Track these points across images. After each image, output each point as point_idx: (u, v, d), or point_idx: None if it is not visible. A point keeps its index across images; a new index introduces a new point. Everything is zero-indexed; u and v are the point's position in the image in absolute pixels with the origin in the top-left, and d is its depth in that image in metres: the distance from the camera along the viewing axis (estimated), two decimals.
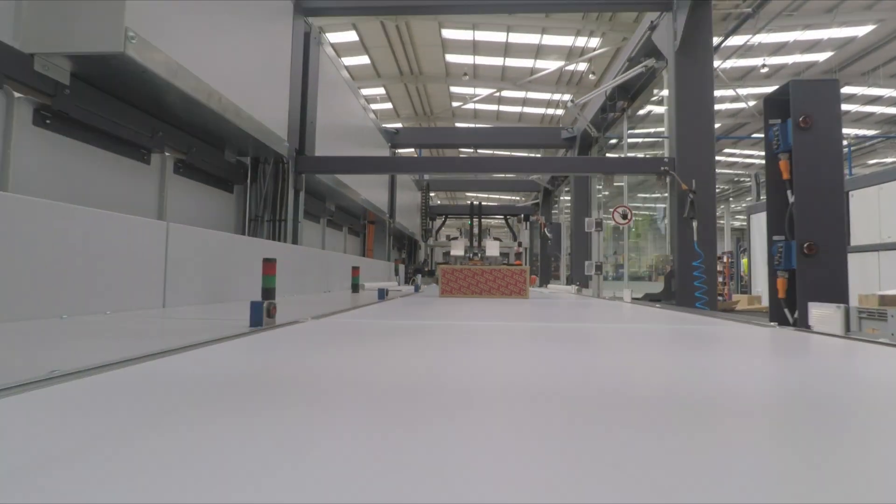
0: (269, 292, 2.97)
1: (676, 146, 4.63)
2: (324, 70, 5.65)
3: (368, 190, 7.82)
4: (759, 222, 11.02)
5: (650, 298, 4.52)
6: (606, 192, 9.43)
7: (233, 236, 3.28)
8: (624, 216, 4.87)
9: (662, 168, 4.59)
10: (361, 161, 4.99)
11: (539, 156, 4.85)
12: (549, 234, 8.76)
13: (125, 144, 3.27)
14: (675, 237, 4.57)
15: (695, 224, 4.43)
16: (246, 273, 3.33)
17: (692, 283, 4.43)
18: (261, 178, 4.71)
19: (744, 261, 16.41)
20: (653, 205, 12.35)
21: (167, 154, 3.70)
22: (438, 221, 13.61)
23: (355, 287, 4.70)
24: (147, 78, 2.81)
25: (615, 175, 4.90)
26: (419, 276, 9.76)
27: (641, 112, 7.14)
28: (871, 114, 18.23)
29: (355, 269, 4.70)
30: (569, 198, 13.15)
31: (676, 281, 4.55)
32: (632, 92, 6.38)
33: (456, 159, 5.00)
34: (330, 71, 5.90)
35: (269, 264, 2.98)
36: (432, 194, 13.96)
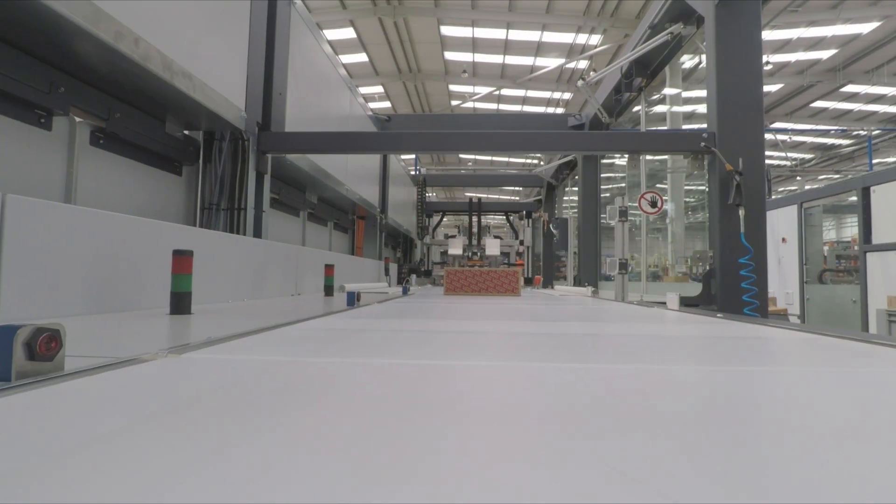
0: (181, 298, 2.09)
1: (717, 118, 3.74)
2: (299, 40, 4.77)
3: (357, 182, 6.94)
4: (772, 220, 10.39)
5: (685, 304, 3.63)
6: (614, 187, 8.57)
7: (141, 221, 2.40)
8: (653, 204, 3.99)
9: (702, 144, 3.70)
10: (338, 138, 4.12)
11: (551, 131, 4.11)
12: (554, 231, 7.85)
13: (7, 100, 2.39)
14: (717, 229, 3.69)
15: (741, 212, 3.55)
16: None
17: (738, 283, 3.55)
18: (215, 158, 3.83)
19: None
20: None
21: (77, 119, 2.82)
22: (435, 219, 12.68)
23: (329, 289, 3.82)
24: None
25: (640, 156, 4.02)
26: (413, 277, 8.86)
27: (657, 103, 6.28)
28: (874, 112, 17.80)
29: (329, 269, 3.81)
30: (574, 195, 12.31)
31: (718, 281, 3.67)
32: (651, 67, 5.50)
33: (452, 136, 4.14)
34: (307, 42, 5.02)
35: (181, 259, 2.10)
36: (430, 194, 13.12)
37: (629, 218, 4.39)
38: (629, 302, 3.69)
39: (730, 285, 3.58)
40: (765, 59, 13.26)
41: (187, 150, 3.73)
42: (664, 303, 3.23)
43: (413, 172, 11.78)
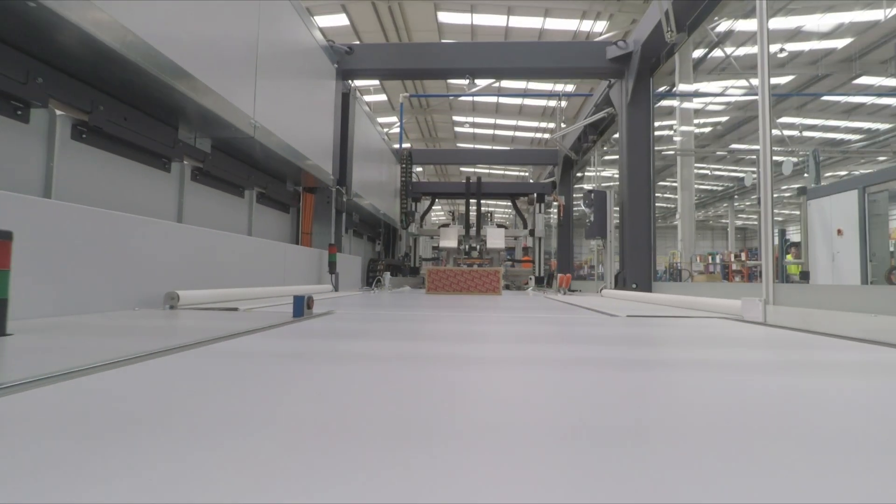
0: None
1: None
2: None
3: (286, 124, 4.23)
4: (821, 207, 8.48)
5: None
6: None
7: None
8: None
9: None
10: None
11: None
12: (588, 211, 5.16)
13: None
14: None
15: None
16: None
17: None
18: None
19: (788, 256, 12.89)
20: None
21: None
22: (425, 204, 9.79)
23: None
24: None
25: None
26: (386, 276, 6.12)
27: None
28: (888, 106, 15.95)
29: None
30: (591, 177, 9.60)
31: None
32: None
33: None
34: None
35: None
36: (418, 170, 10.39)
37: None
38: None
39: None
40: (778, 46, 11.87)
41: None
42: None
43: (397, 146, 8.94)
